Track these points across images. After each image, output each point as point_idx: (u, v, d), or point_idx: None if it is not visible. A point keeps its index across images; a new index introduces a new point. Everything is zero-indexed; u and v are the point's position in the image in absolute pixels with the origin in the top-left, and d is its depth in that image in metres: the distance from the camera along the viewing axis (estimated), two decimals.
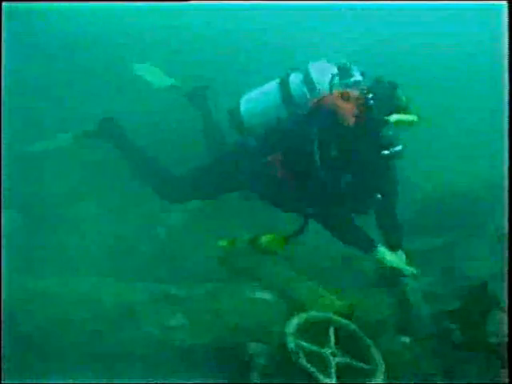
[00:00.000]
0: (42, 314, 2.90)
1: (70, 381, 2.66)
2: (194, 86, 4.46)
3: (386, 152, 3.06)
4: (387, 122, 3.00)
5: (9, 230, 4.01)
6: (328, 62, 3.42)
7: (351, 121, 3.03)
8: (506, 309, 2.58)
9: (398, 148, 3.09)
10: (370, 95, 3.07)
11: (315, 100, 3.19)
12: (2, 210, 3.94)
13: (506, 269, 2.70)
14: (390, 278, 3.29)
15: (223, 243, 3.43)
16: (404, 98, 3.09)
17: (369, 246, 3.22)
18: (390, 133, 3.07)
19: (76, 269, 3.58)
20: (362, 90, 3.14)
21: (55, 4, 5.80)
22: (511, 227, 2.98)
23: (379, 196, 3.18)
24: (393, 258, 3.20)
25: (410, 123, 3.02)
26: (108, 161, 4.54)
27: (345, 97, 3.09)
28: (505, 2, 3.09)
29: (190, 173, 3.79)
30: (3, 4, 3.30)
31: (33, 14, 5.69)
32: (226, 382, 2.59)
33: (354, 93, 3.12)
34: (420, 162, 4.80)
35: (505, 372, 2.38)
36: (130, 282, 3.23)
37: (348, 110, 3.04)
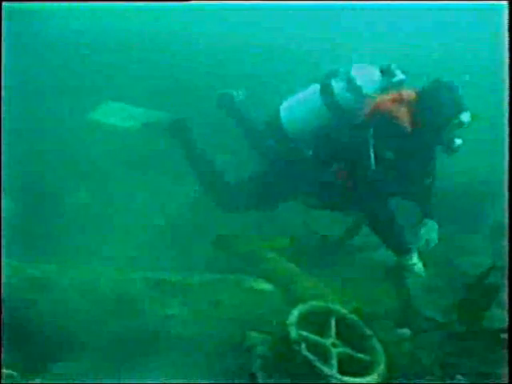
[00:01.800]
0: (42, 302, 2.88)
1: (68, 369, 2.66)
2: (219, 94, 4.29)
3: (449, 149, 3.16)
4: (460, 123, 3.10)
5: (5, 218, 3.99)
6: (369, 63, 3.43)
7: (408, 127, 3.11)
8: (507, 304, 2.59)
9: (459, 141, 3.15)
10: (427, 98, 3.13)
11: (369, 106, 3.22)
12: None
13: (506, 263, 2.71)
14: (392, 271, 3.32)
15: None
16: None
17: (404, 250, 3.25)
18: (454, 131, 3.14)
19: (74, 256, 3.54)
20: (418, 92, 3.17)
21: (55, 4, 5.81)
22: (511, 222, 2.97)
23: (429, 181, 3.34)
24: (421, 266, 3.25)
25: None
26: (108, 151, 4.56)
27: (397, 99, 3.14)
28: (505, 2, 3.09)
29: (247, 182, 3.75)
30: (3, 4, 3.30)
31: (33, 14, 5.69)
32: (224, 371, 2.58)
33: (406, 94, 3.16)
34: None
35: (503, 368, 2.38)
36: (129, 270, 3.20)
37: (404, 115, 3.11)
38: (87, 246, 3.76)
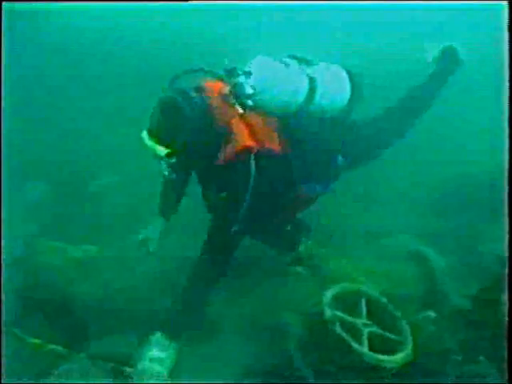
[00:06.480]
0: (84, 281, 2.99)
1: (110, 345, 2.73)
2: None
3: None
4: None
5: (38, 201, 4.20)
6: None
7: None
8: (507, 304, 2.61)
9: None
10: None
11: None
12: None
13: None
14: (416, 254, 3.34)
15: None
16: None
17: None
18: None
19: (108, 238, 3.57)
20: None
21: (56, 4, 5.81)
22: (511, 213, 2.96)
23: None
24: None
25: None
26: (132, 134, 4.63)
27: None
28: (505, 2, 3.09)
29: None
30: (3, 4, 3.30)
31: (33, 14, 5.69)
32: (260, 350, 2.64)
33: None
34: (436, 153, 4.87)
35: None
36: (162, 251, 3.22)
37: None
38: (122, 225, 3.75)
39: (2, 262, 3.10)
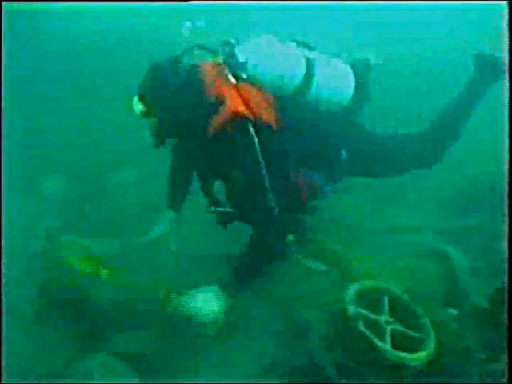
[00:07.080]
0: (103, 277, 2.95)
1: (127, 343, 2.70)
2: None
3: None
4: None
5: (54, 194, 4.27)
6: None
7: None
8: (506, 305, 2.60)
9: None
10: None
11: None
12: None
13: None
14: (437, 252, 3.31)
15: None
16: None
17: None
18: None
19: (128, 233, 3.52)
20: None
21: (55, 4, 5.81)
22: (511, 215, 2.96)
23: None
24: None
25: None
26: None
27: None
28: (505, 2, 3.09)
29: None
30: (3, 4, 3.30)
31: (33, 14, 5.70)
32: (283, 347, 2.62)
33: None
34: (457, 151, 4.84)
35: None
36: (184, 248, 3.18)
37: None
38: (142, 221, 3.67)
39: (2, 261, 3.09)
